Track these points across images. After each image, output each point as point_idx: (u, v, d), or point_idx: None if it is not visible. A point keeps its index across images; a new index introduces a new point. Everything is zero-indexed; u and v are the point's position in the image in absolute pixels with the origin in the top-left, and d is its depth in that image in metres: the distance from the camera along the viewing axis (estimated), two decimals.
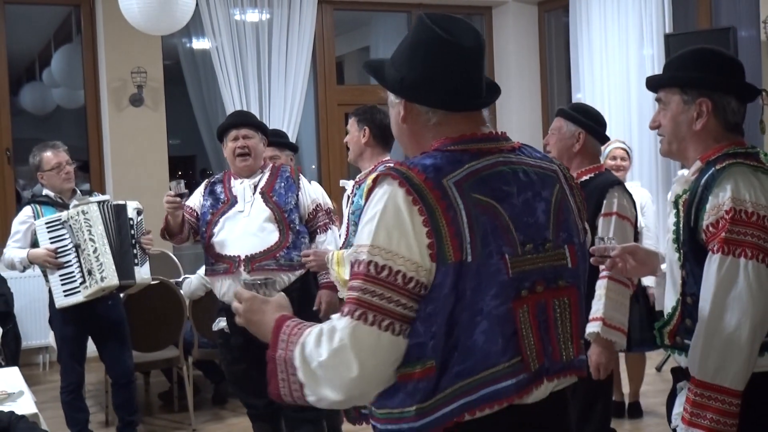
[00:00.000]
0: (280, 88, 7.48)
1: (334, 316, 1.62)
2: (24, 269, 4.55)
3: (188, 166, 11.63)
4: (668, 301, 2.24)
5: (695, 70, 2.22)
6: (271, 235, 3.90)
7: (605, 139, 3.47)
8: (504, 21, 8.53)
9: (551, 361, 1.69)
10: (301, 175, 4.13)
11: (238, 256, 3.87)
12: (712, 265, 2.05)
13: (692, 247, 2.13)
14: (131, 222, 4.53)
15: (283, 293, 1.86)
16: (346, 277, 3.67)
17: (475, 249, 1.58)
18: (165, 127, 7.29)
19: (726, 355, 2.01)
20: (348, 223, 3.85)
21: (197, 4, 5.93)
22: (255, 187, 3.99)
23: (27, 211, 4.59)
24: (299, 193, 4.03)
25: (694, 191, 2.14)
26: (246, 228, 3.91)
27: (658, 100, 2.29)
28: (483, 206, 1.62)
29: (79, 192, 4.73)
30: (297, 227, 3.96)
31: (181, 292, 5.28)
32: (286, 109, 7.44)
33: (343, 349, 1.55)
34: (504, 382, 1.61)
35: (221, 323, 4.05)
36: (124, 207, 4.55)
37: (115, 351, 4.71)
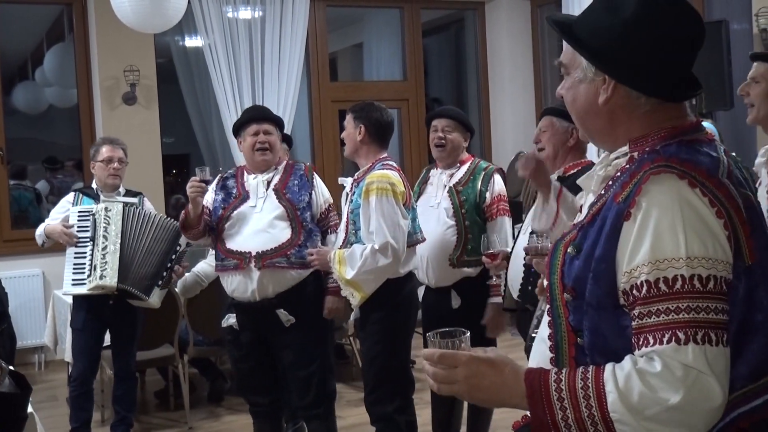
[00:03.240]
0: (273, 85, 7.46)
1: (653, 351, 1.38)
2: (43, 244, 4.72)
3: (182, 164, 11.56)
4: None
5: None
6: (282, 232, 3.86)
7: None
8: (497, 16, 8.53)
9: None
10: (315, 174, 4.08)
11: (249, 253, 3.82)
12: None
13: None
14: (178, 248, 4.58)
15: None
16: (347, 276, 3.71)
17: (756, 249, 1.44)
18: (158, 125, 7.26)
19: None
20: (347, 222, 3.84)
21: (189, 2, 5.91)
22: (268, 183, 3.96)
23: (69, 197, 4.82)
24: (313, 191, 3.98)
25: None
26: (257, 224, 3.87)
27: None
28: (749, 200, 1.48)
29: (123, 190, 4.80)
30: (309, 225, 3.92)
31: (176, 290, 5.28)
32: (280, 106, 7.42)
33: (702, 381, 1.35)
34: None
35: (230, 320, 4.00)
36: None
37: (125, 343, 4.76)
